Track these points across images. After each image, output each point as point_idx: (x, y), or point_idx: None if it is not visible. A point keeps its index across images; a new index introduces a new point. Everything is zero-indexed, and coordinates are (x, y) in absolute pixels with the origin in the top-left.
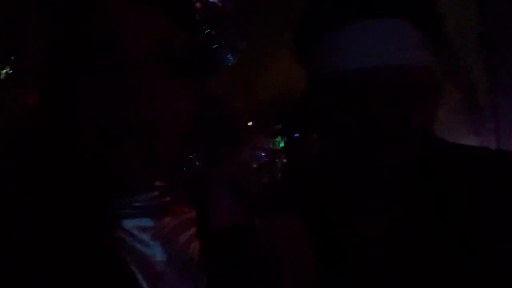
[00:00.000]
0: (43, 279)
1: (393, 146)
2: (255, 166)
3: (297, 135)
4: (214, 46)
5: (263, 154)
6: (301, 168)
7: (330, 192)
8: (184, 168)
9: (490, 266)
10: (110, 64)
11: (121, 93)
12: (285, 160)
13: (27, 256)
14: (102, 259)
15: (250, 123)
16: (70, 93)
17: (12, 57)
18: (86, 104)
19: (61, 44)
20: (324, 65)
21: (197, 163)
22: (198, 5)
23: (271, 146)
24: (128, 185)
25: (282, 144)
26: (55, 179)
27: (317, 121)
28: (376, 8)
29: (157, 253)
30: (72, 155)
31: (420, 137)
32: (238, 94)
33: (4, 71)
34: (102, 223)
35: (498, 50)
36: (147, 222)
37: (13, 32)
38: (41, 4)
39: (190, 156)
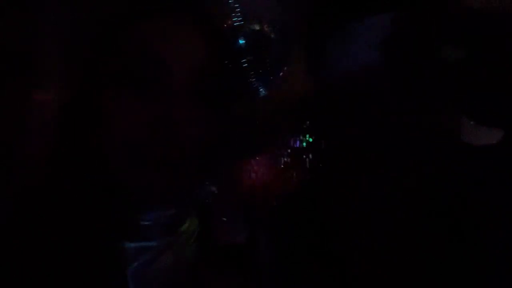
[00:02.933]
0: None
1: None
2: (282, 164)
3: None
4: (248, 79)
5: (290, 151)
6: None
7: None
8: (198, 190)
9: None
10: (147, 85)
11: (153, 115)
12: (311, 158)
13: (30, 255)
14: (103, 271)
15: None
16: (104, 107)
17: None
18: (118, 120)
19: (102, 57)
20: (330, 69)
21: (210, 185)
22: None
23: (298, 143)
24: (145, 201)
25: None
26: (80, 189)
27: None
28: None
29: (155, 274)
30: (98, 166)
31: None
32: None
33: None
34: (110, 237)
35: None
36: (150, 242)
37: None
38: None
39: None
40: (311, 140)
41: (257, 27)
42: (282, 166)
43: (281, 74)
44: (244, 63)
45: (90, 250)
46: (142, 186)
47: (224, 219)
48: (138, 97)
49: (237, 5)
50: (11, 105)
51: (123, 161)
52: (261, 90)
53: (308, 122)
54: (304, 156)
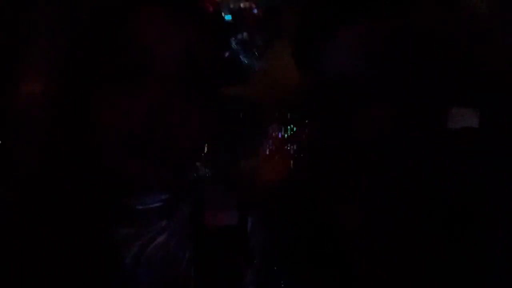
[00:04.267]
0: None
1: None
2: (267, 152)
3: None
4: (239, 56)
5: (273, 141)
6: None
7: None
8: (190, 175)
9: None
10: (138, 77)
11: (145, 106)
12: (294, 147)
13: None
14: (97, 257)
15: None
16: (96, 100)
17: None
18: (111, 112)
19: (91, 51)
20: (325, 70)
21: (202, 169)
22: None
23: (281, 133)
24: (139, 189)
25: (291, 131)
26: (72, 177)
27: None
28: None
29: (149, 259)
30: (92, 157)
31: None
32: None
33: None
34: (104, 223)
35: None
36: (144, 227)
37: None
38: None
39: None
40: (309, 138)
41: (242, 5)
42: (274, 153)
43: (269, 51)
44: (232, 40)
45: (84, 236)
46: (136, 174)
47: (217, 203)
48: (129, 88)
49: None
50: (9, 103)
51: (117, 151)
52: (253, 65)
53: (307, 120)
54: (296, 147)
